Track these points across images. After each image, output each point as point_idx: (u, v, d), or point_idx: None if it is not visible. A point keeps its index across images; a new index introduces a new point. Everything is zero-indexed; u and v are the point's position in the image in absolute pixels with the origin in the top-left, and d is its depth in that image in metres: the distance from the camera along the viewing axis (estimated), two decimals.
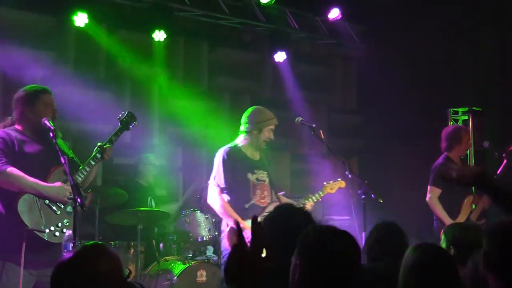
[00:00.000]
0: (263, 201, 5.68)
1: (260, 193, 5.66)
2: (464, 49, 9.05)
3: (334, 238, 2.55)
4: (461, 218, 6.74)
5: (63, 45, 7.28)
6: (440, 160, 6.96)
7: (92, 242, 2.69)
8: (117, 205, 6.81)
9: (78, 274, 2.25)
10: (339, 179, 6.26)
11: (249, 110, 5.91)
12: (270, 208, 5.65)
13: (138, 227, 6.42)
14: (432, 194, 6.78)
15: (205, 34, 8.64)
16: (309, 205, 6.00)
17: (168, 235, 7.05)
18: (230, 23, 8.56)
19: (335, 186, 6.22)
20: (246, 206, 5.58)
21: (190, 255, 6.91)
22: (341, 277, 2.48)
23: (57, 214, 4.66)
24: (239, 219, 5.49)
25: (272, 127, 5.79)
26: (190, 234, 6.74)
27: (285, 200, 6.01)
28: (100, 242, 2.55)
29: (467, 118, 8.58)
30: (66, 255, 2.35)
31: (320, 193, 6.22)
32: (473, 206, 7.21)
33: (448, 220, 6.54)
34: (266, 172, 5.76)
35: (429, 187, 6.85)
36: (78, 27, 7.03)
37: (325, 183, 6.22)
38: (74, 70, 7.30)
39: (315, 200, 6.12)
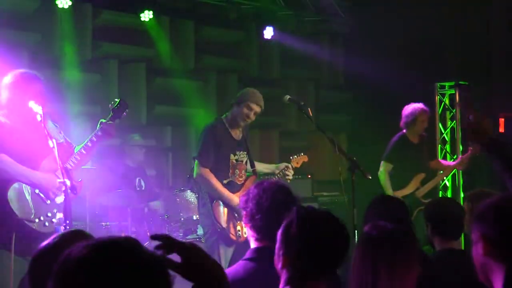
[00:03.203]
0: (240, 179, 5.81)
1: (238, 172, 5.80)
2: (450, 23, 9.06)
3: (321, 225, 2.55)
4: (405, 191, 7.00)
5: (48, 26, 7.23)
6: (395, 137, 7.12)
7: (72, 229, 2.70)
8: (107, 186, 6.84)
9: (57, 260, 2.25)
10: (302, 154, 6.32)
11: (245, 88, 5.99)
12: (248, 183, 5.76)
13: (128, 208, 6.45)
14: (383, 168, 7.03)
15: (190, 13, 8.60)
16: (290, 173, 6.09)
17: (158, 215, 7.09)
18: (215, 2, 8.51)
19: (300, 160, 6.29)
20: (225, 182, 5.68)
21: (181, 235, 6.95)
22: (327, 264, 2.50)
23: (47, 203, 4.63)
24: (232, 196, 5.57)
25: (255, 108, 5.75)
26: (181, 214, 6.78)
27: (263, 167, 6.14)
28: (79, 229, 2.55)
29: (453, 92, 8.62)
30: (45, 241, 2.34)
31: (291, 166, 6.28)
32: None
33: (389, 192, 6.83)
34: (245, 152, 5.87)
35: (381, 161, 7.04)
36: (63, 9, 6.98)
37: (291, 157, 6.28)
38: (60, 51, 7.25)
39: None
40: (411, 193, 7.04)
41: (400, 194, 6.91)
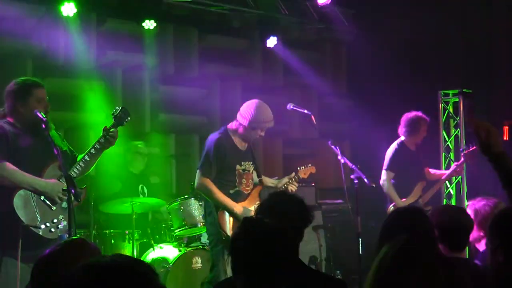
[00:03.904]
0: (247, 188, 5.79)
1: (245, 182, 5.77)
2: (454, 32, 9.06)
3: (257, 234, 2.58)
4: (410, 200, 7.04)
5: (53, 34, 7.24)
6: (395, 146, 7.13)
7: (74, 237, 2.71)
8: (111, 194, 6.84)
9: (58, 269, 2.24)
10: (310, 165, 6.29)
11: (252, 103, 5.77)
12: (255, 193, 5.81)
13: (133, 215, 6.45)
14: (385, 177, 7.04)
15: (194, 21, 8.61)
16: (293, 187, 6.07)
17: (162, 223, 7.08)
18: (219, 10, 8.52)
19: (307, 171, 6.26)
20: (231, 191, 5.66)
21: (185, 242, 6.94)
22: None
23: (52, 209, 4.65)
24: (234, 204, 5.56)
25: (268, 127, 5.79)
26: (184, 222, 6.76)
27: (268, 181, 6.12)
28: (81, 237, 2.55)
29: (457, 100, 8.62)
30: (48, 249, 2.34)
31: (296, 177, 6.25)
32: None
33: (399, 202, 6.88)
34: (251, 162, 5.84)
35: (383, 170, 7.04)
36: (67, 17, 7.00)
37: (298, 168, 6.26)
38: (64, 59, 7.26)
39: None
40: (415, 201, 7.05)
41: (405, 203, 6.94)
